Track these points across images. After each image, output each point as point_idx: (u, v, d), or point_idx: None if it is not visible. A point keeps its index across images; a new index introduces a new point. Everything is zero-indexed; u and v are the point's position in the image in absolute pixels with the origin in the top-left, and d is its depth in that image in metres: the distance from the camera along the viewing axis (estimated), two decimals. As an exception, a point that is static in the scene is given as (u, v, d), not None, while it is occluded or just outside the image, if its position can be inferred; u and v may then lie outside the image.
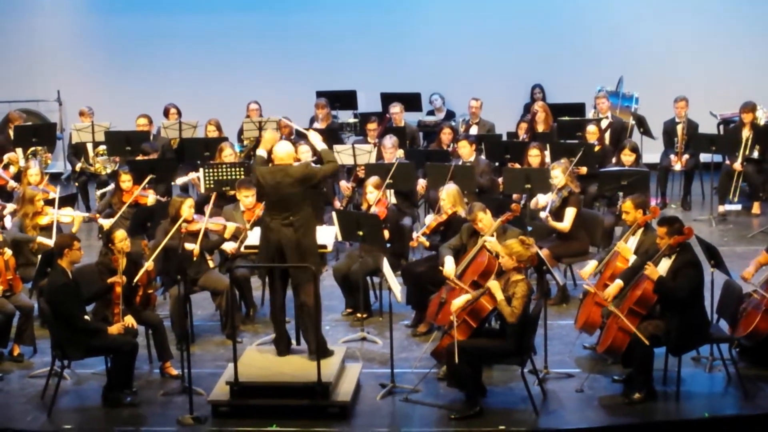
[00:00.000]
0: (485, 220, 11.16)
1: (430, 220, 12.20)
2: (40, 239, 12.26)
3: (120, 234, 10.63)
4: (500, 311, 9.65)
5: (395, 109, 16.85)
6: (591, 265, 11.06)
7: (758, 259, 10.85)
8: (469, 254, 11.00)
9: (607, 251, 11.18)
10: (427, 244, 11.98)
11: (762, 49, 18.65)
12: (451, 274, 10.89)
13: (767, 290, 10.26)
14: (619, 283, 10.17)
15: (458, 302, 9.99)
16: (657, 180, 16.08)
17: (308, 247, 10.18)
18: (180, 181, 15.20)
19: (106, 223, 13.14)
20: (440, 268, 11.00)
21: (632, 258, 10.55)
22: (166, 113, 17.25)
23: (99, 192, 15.26)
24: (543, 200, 12.73)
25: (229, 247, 11.97)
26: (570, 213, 12.38)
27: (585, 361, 10.81)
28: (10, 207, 13.46)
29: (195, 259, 11.45)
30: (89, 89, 19.27)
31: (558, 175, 12.52)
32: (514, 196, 13.90)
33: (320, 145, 10.76)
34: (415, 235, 12.26)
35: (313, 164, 10.64)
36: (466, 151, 14.44)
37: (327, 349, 10.28)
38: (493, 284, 9.74)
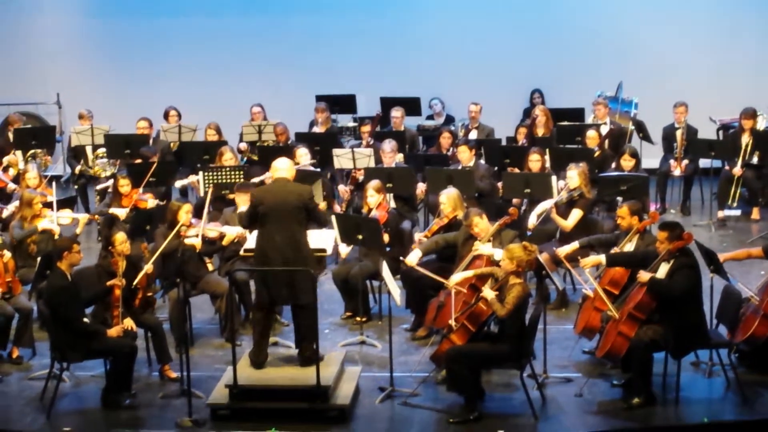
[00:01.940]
0: (481, 224, 11.19)
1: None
2: (43, 225, 12.22)
3: (120, 236, 10.63)
4: (493, 309, 9.65)
5: (396, 113, 16.88)
6: (571, 246, 11.24)
7: (750, 250, 10.89)
8: (466, 259, 11.03)
9: (596, 239, 11.49)
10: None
11: (761, 54, 18.67)
12: (411, 264, 11.15)
13: (765, 295, 10.26)
14: (598, 258, 10.46)
15: (457, 277, 10.07)
16: (656, 185, 16.08)
17: (310, 260, 10.14)
18: (179, 184, 15.21)
19: (121, 212, 13.19)
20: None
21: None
22: (166, 116, 17.26)
23: (98, 188, 15.29)
24: (539, 210, 12.71)
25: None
26: (576, 214, 12.40)
27: (584, 365, 10.80)
28: (9, 209, 13.39)
29: (198, 250, 11.45)
30: (89, 92, 19.30)
31: (573, 176, 12.55)
32: (515, 201, 13.89)
33: None
34: (416, 237, 12.29)
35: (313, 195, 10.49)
36: (465, 156, 14.44)
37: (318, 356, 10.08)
38: (487, 291, 9.74)
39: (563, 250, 11.19)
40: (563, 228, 12.43)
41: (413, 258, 11.30)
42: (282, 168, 10.35)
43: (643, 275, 9.82)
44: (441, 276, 10.81)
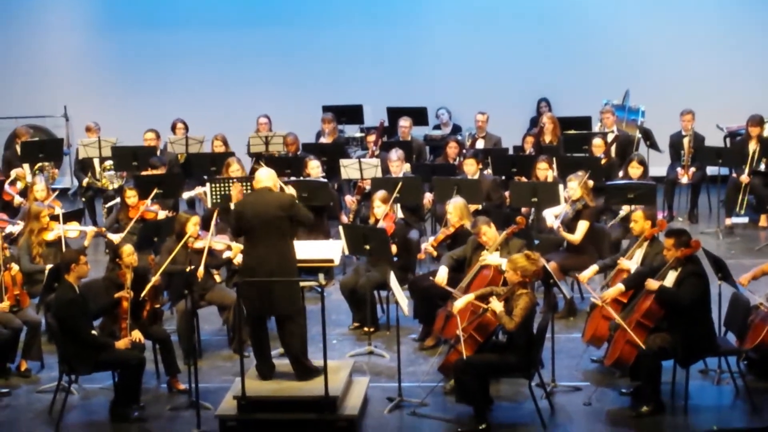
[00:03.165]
0: (489, 233, 11.20)
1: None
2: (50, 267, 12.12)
3: (127, 249, 10.64)
4: (501, 323, 9.63)
5: (404, 123, 16.88)
6: (591, 269, 11.19)
7: (763, 267, 10.83)
8: (473, 268, 11.04)
9: (612, 259, 11.30)
10: (435, 253, 12.02)
11: (768, 61, 18.68)
12: (441, 283, 11.08)
13: (774, 303, 10.26)
14: (619, 287, 10.23)
15: (459, 304, 10.04)
16: (664, 193, 16.05)
17: (293, 274, 10.01)
18: (187, 195, 15.21)
19: (116, 237, 13.14)
20: (431, 278, 11.31)
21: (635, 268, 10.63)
22: (173, 128, 17.27)
23: (106, 206, 15.30)
24: (556, 211, 12.76)
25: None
26: (582, 226, 12.37)
27: (593, 374, 10.79)
28: (17, 228, 13.23)
29: (200, 279, 11.38)
30: (96, 105, 19.33)
31: (574, 186, 12.52)
32: (522, 209, 13.88)
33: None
34: (423, 246, 12.30)
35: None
36: (471, 170, 14.43)
37: (313, 373, 10.07)
38: (495, 304, 9.70)
39: (585, 275, 11.16)
40: (572, 242, 12.39)
41: (442, 276, 11.26)
42: (264, 178, 10.13)
43: (652, 283, 9.80)
44: (451, 286, 10.92)
